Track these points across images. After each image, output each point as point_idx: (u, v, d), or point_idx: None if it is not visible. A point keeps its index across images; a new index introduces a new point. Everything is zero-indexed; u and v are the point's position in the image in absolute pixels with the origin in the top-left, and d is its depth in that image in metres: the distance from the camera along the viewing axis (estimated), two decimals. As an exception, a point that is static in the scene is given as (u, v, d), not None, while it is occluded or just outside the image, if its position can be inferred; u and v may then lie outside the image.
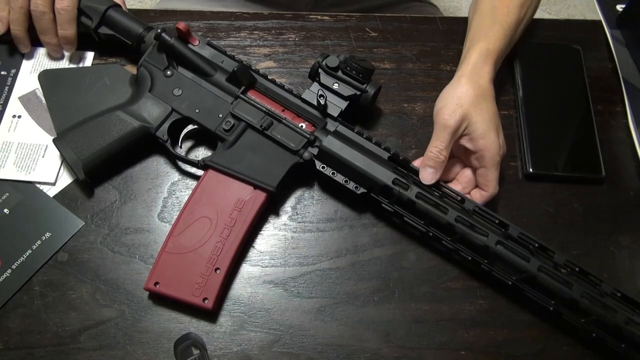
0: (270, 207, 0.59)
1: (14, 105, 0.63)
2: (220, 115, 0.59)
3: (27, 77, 0.65)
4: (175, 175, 0.61)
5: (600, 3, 0.77)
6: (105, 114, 0.59)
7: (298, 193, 0.61)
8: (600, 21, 0.75)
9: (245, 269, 0.57)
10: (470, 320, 0.56)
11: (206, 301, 0.53)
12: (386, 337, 0.55)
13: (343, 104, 0.60)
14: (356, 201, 0.58)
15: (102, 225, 0.58)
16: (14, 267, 0.55)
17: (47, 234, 0.57)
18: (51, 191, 0.59)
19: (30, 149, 0.61)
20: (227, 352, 0.53)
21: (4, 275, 0.55)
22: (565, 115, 0.66)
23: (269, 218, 0.59)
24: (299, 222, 0.59)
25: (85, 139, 0.58)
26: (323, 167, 0.57)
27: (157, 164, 0.61)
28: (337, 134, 0.58)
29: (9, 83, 0.65)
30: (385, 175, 0.55)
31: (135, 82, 0.61)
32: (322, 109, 0.59)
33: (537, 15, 0.69)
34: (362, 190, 0.56)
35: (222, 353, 0.53)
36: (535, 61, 0.69)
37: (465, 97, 0.57)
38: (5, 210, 0.58)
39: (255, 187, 0.56)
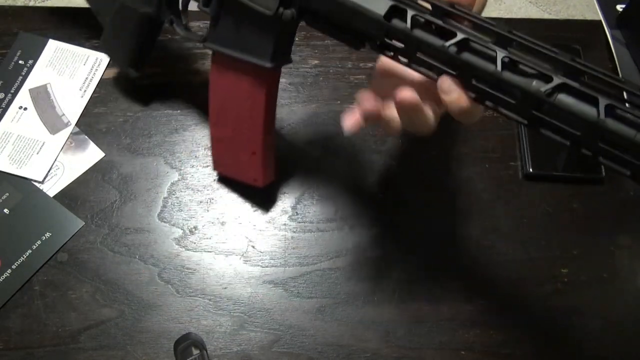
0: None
1: (23, 97, 0.64)
2: None
3: (43, 70, 0.65)
4: (175, 175, 0.61)
5: (600, 3, 0.77)
6: (117, 9, 0.58)
7: (298, 193, 0.61)
8: (600, 21, 0.75)
9: (245, 268, 0.57)
10: (470, 320, 0.56)
11: (256, 181, 0.56)
12: (386, 337, 0.55)
13: None
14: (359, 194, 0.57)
15: (102, 225, 0.58)
16: (13, 267, 0.55)
17: (47, 234, 0.57)
18: (51, 191, 0.59)
19: (27, 144, 0.61)
20: (227, 352, 0.53)
21: (4, 275, 0.55)
22: (565, 115, 0.66)
23: (269, 218, 0.59)
24: (299, 222, 0.59)
25: (116, 38, 0.58)
26: (312, 23, 0.46)
27: (157, 164, 0.61)
28: None
29: (23, 73, 0.65)
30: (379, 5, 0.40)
31: None
32: None
33: (537, 15, 0.70)
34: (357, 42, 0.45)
35: (222, 353, 0.53)
36: (535, 61, 0.69)
37: None
38: (5, 210, 0.58)
39: (253, 66, 0.50)
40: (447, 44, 0.38)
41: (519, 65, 0.37)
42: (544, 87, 0.35)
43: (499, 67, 0.36)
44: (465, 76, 0.38)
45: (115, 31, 0.59)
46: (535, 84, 0.36)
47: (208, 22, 0.51)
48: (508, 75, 0.36)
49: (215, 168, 0.59)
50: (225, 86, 0.53)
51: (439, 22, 0.38)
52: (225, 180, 0.61)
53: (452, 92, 0.38)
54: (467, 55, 0.38)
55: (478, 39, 0.37)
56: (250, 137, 0.53)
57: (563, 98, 0.35)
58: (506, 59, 0.36)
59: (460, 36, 0.37)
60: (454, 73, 0.39)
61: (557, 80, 0.35)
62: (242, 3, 0.47)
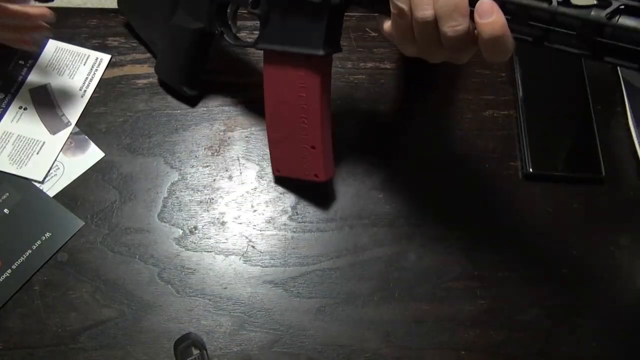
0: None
1: (23, 97, 0.64)
2: None
3: (43, 69, 0.65)
4: (175, 175, 0.61)
5: (600, 3, 0.77)
6: (168, 30, 0.60)
7: (298, 193, 0.61)
8: (600, 21, 0.75)
9: (246, 268, 0.57)
10: (470, 320, 0.56)
11: (317, 176, 0.56)
12: (386, 337, 0.55)
13: None
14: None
15: (102, 225, 0.58)
16: (13, 267, 0.55)
17: (47, 234, 0.57)
18: (51, 191, 0.59)
19: (27, 144, 0.61)
20: (227, 352, 0.53)
21: (4, 276, 0.55)
22: (565, 115, 0.66)
23: (269, 218, 0.59)
24: (299, 222, 0.59)
25: (171, 60, 0.61)
26: (359, 2, 0.47)
27: (157, 164, 0.61)
28: None
29: (23, 73, 0.65)
30: None
31: None
32: None
33: (537, 15, 0.69)
34: None
35: (222, 353, 0.53)
36: (535, 61, 0.69)
37: None
38: (5, 210, 0.58)
39: (305, 57, 0.50)
40: None
41: None
42: (604, 12, 0.36)
43: (555, 3, 0.37)
44: (520, 18, 0.39)
45: (169, 53, 0.61)
46: (593, 12, 0.37)
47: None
48: (564, 9, 0.37)
49: (274, 172, 0.59)
50: (279, 84, 0.53)
51: None
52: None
53: (492, 14, 0.38)
54: None
55: None
56: (308, 131, 0.54)
57: (625, 20, 0.36)
58: None
59: None
60: (508, 17, 0.38)
61: (615, 3, 0.36)
62: None
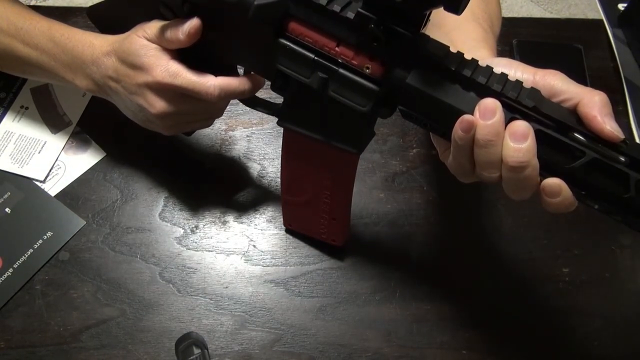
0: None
1: (25, 96, 0.64)
2: (269, 68, 0.45)
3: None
4: (177, 174, 0.61)
5: (601, 2, 0.77)
6: None
7: (299, 192, 0.61)
8: (601, 20, 0.75)
9: (247, 268, 0.57)
10: (471, 320, 0.56)
11: (334, 241, 0.56)
12: (387, 336, 0.55)
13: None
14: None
15: (104, 224, 0.58)
16: (15, 266, 0.55)
17: (49, 233, 0.57)
18: (52, 190, 0.59)
19: (28, 143, 0.61)
20: (228, 351, 0.53)
21: (6, 275, 0.55)
22: (566, 114, 0.66)
23: (270, 217, 0.59)
24: (300, 222, 0.59)
25: None
26: (412, 117, 0.41)
27: (159, 162, 0.61)
28: (419, 74, 0.38)
29: None
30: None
31: None
32: (382, 43, 0.38)
33: (539, 14, 0.69)
34: None
35: (223, 352, 0.53)
36: (537, 60, 0.69)
37: None
38: (7, 210, 0.58)
39: (338, 150, 0.46)
40: (577, 164, 0.35)
41: None
42: None
43: (633, 192, 0.34)
44: (592, 196, 0.37)
45: None
46: None
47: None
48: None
49: (285, 225, 0.58)
50: (301, 158, 0.49)
51: (564, 139, 0.36)
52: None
53: (559, 194, 0.36)
54: (597, 177, 0.35)
55: (606, 156, 0.35)
56: (331, 206, 0.52)
57: None
58: None
59: (590, 155, 0.35)
60: (582, 193, 0.37)
61: None
62: (323, 95, 0.42)
